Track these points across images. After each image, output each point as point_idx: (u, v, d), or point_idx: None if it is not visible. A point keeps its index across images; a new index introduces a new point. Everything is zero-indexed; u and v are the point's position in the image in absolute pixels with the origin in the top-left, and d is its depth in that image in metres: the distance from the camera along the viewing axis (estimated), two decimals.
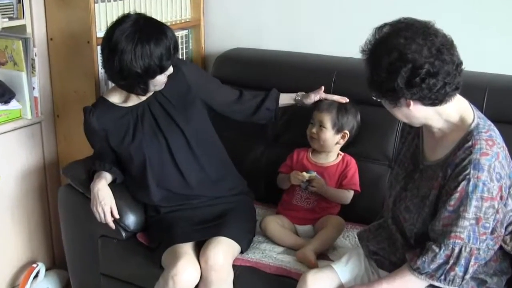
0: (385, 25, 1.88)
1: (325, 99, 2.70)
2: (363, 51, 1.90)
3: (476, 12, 2.79)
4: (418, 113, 1.90)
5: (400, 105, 1.88)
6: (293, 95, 2.78)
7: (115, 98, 2.57)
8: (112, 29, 2.39)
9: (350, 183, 2.67)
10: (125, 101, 2.57)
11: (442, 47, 1.80)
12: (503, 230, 1.93)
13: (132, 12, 2.47)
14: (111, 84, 2.72)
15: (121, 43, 2.34)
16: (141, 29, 2.36)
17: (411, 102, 1.85)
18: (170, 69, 2.47)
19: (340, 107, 2.67)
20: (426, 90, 1.81)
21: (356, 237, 2.37)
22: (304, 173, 2.63)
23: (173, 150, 2.54)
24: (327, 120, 2.65)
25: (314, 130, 2.69)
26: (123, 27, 2.37)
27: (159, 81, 2.46)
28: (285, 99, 2.78)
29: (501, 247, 1.98)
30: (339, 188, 2.68)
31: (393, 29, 1.85)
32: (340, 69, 2.88)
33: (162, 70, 2.41)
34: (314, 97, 2.72)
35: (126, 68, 2.35)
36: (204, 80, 2.72)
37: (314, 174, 2.64)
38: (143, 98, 2.56)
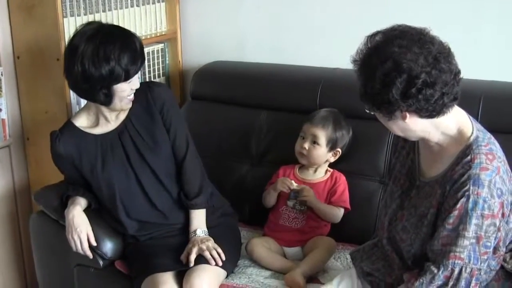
0: (377, 33, 1.84)
1: None
2: (354, 61, 1.86)
3: (469, 17, 2.80)
4: (415, 126, 1.86)
5: (395, 118, 1.84)
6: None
7: (83, 122, 2.51)
8: (74, 35, 2.35)
9: (340, 200, 2.63)
10: (94, 126, 2.50)
11: (439, 56, 1.77)
12: (504, 249, 1.91)
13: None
14: (83, 104, 2.68)
15: (81, 46, 2.27)
16: (104, 31, 2.31)
17: (407, 115, 1.82)
18: (136, 83, 2.38)
19: (336, 121, 2.62)
20: (423, 102, 1.77)
21: (349, 258, 2.35)
22: (293, 181, 2.59)
23: (142, 181, 2.48)
24: (322, 136, 2.59)
25: (305, 146, 2.61)
26: (84, 30, 2.32)
27: (124, 92, 2.36)
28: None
29: (502, 266, 1.94)
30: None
31: (386, 37, 1.82)
32: (326, 81, 2.85)
33: (127, 75, 2.31)
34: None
35: (88, 71, 2.26)
36: (174, 112, 2.56)
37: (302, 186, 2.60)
38: (113, 125, 2.49)
